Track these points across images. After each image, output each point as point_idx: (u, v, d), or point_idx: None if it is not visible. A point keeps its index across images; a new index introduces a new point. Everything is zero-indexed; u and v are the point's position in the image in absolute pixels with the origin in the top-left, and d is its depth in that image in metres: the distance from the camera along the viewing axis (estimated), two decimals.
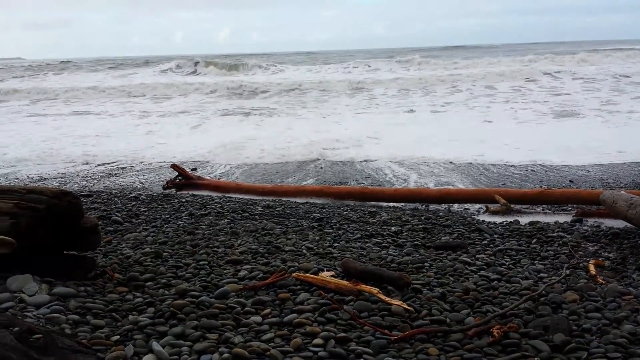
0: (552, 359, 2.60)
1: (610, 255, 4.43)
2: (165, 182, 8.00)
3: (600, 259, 4.23)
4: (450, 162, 9.78)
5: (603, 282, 3.69)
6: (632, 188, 7.15)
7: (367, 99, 21.12)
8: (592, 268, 3.95)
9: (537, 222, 5.73)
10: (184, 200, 6.93)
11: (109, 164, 10.66)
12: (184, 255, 4.26)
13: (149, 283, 3.59)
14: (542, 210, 6.50)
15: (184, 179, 7.90)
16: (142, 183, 8.84)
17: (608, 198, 5.43)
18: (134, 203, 6.69)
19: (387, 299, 3.25)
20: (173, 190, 7.76)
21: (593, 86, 21.70)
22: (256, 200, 7.03)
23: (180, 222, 5.60)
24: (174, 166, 8.00)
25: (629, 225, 5.07)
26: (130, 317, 3.01)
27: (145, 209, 6.34)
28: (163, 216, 5.91)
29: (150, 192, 7.75)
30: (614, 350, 2.65)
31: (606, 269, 4.07)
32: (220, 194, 7.48)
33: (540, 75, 24.86)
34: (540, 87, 22.18)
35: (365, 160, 10.22)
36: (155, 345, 2.66)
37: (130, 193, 7.55)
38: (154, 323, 2.94)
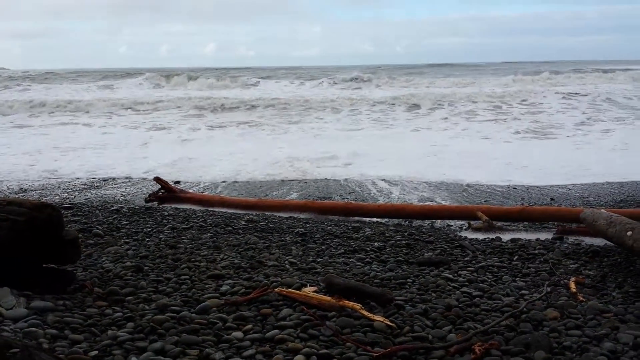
0: None
1: (591, 272, 4.47)
2: (147, 195, 7.94)
3: (580, 277, 4.27)
4: (432, 180, 9.84)
5: (583, 299, 3.72)
6: (612, 207, 7.25)
7: (351, 115, 21.22)
8: (572, 285, 3.99)
9: (519, 239, 5.78)
10: (166, 213, 6.87)
11: (90, 176, 10.55)
12: (165, 270, 4.22)
13: (129, 297, 3.54)
14: (524, 227, 6.55)
15: (166, 192, 7.84)
16: (124, 196, 8.76)
17: (588, 216, 5.49)
18: (115, 216, 6.62)
19: (370, 315, 3.24)
20: (155, 204, 7.69)
21: (572, 104, 22.10)
22: (240, 214, 6.99)
23: (162, 236, 5.54)
24: (157, 179, 7.94)
25: (608, 243, 5.13)
26: (109, 332, 2.97)
27: (127, 222, 6.27)
28: (145, 229, 5.86)
29: (132, 205, 7.68)
30: None
31: (586, 286, 4.10)
32: (203, 208, 7.43)
33: (523, 94, 25.22)
34: (521, 105, 22.49)
35: (349, 176, 10.25)
36: None
37: (111, 206, 7.47)
38: (133, 338, 2.89)
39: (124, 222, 6.22)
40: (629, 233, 4.47)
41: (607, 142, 14.02)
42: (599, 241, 5.36)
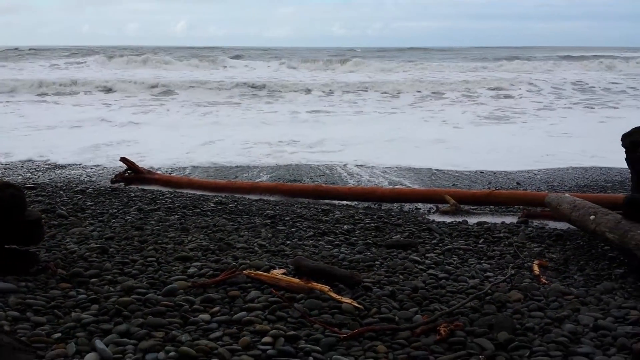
0: (496, 357, 2.66)
1: (554, 256, 4.57)
2: (113, 176, 7.79)
3: (544, 260, 4.37)
4: (401, 164, 9.90)
5: (546, 282, 3.81)
6: (576, 191, 7.42)
7: (321, 99, 21.15)
8: (536, 268, 4.08)
9: (485, 222, 5.87)
10: (132, 194, 6.76)
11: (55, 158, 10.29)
12: (131, 252, 4.16)
13: (93, 279, 3.48)
14: (490, 211, 6.66)
15: (133, 172, 7.71)
16: (89, 176, 8.59)
17: (553, 200, 5.61)
18: (80, 197, 6.49)
19: (338, 297, 3.26)
20: (122, 185, 7.56)
21: (539, 90, 22.48)
22: (208, 196, 6.93)
23: (128, 217, 5.46)
24: (124, 159, 7.79)
25: (572, 227, 5.26)
26: (73, 314, 2.92)
27: (92, 203, 6.15)
28: (110, 211, 5.75)
29: (97, 186, 7.53)
30: (555, 349, 2.74)
31: (549, 269, 4.20)
32: (171, 189, 7.34)
33: (490, 81, 25.52)
34: (490, 91, 22.76)
35: (320, 159, 10.24)
36: (99, 344, 2.58)
37: (76, 186, 7.31)
38: (97, 321, 2.86)
39: (89, 203, 6.10)
40: (592, 217, 4.59)
41: (563, 127, 14.28)
42: (562, 225, 5.49)
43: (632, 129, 4.77)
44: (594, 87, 24.40)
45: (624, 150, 4.75)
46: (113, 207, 5.93)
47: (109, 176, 8.13)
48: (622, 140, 4.79)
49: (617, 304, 3.37)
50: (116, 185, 7.51)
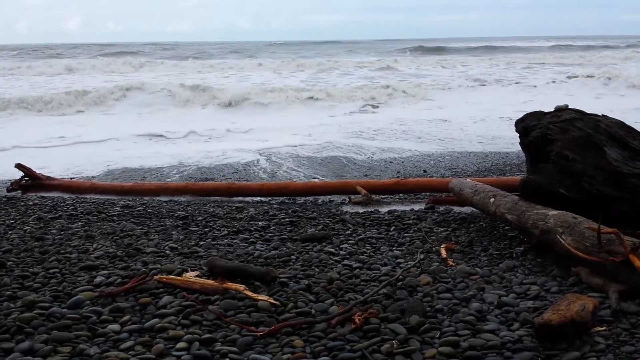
0: (408, 341, 2.76)
1: (460, 238, 4.80)
2: (9, 184, 7.28)
3: (450, 243, 4.57)
4: (313, 156, 10.00)
5: (453, 264, 3.99)
6: (477, 176, 7.81)
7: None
8: (443, 252, 4.26)
9: (395, 210, 6.05)
10: (31, 203, 6.35)
11: None
12: (32, 264, 3.92)
13: None
14: (399, 199, 6.87)
15: (31, 179, 7.24)
16: None
17: (456, 186, 5.88)
18: None
19: (254, 295, 3.24)
20: (19, 193, 7.08)
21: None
22: (114, 200, 6.64)
23: (27, 228, 5.12)
24: (19, 166, 7.29)
25: (475, 210, 5.53)
26: None
27: None
28: (7, 221, 5.38)
29: None
30: (463, 327, 2.88)
31: (456, 252, 4.40)
32: (73, 195, 6.96)
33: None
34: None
35: (231, 155, 10.12)
36: None
37: None
38: None
39: None
40: (492, 200, 4.85)
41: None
42: (466, 209, 5.76)
43: (524, 115, 5.07)
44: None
45: (518, 135, 5.05)
46: (10, 218, 5.55)
47: (4, 185, 7.58)
48: (515, 125, 5.09)
49: (518, 280, 3.60)
50: (12, 194, 7.02)
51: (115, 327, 2.85)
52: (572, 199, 4.24)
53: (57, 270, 3.76)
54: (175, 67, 30.07)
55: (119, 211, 5.92)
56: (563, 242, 3.67)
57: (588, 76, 22.93)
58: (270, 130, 12.83)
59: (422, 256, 4.13)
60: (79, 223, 5.33)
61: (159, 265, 3.82)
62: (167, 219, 5.57)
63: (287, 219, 5.53)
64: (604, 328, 2.85)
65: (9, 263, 3.91)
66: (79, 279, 3.58)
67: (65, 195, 6.93)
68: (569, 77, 23.48)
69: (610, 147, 4.33)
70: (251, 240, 4.78)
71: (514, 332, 2.84)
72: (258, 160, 9.72)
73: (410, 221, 5.41)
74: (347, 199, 6.86)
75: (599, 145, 4.32)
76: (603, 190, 4.18)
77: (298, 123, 13.82)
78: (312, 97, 17.86)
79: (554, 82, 22.69)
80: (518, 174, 7.49)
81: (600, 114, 4.74)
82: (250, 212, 5.90)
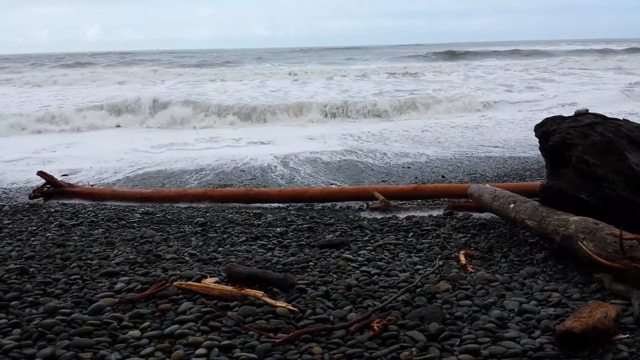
0: (428, 348, 2.73)
1: (479, 245, 4.75)
2: (31, 191, 7.40)
3: (469, 249, 4.53)
4: (331, 160, 10.00)
5: (472, 270, 3.95)
6: (496, 181, 7.75)
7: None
8: (462, 258, 4.22)
9: (413, 216, 6.02)
10: (52, 210, 6.45)
11: None
12: (54, 270, 3.98)
13: (14, 302, 3.31)
14: (418, 205, 6.84)
15: (52, 186, 7.35)
16: (5, 193, 8.11)
17: (475, 191, 5.83)
18: None
19: (272, 301, 3.24)
20: (41, 200, 7.19)
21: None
22: (134, 207, 6.71)
23: (48, 234, 5.20)
24: (41, 173, 7.41)
25: (494, 216, 5.48)
26: None
27: (9, 221, 5.82)
28: (29, 228, 5.46)
29: (14, 203, 7.13)
30: (483, 335, 2.85)
31: (475, 258, 4.36)
32: (94, 202, 7.05)
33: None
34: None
35: (249, 161, 10.16)
36: None
37: None
38: (20, 345, 2.73)
39: (5, 222, 5.77)
40: (512, 205, 4.80)
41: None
42: (485, 214, 5.71)
43: (544, 120, 5.03)
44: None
45: (538, 140, 5.00)
46: (32, 225, 5.64)
47: (27, 192, 7.71)
48: (534, 130, 5.04)
49: (539, 287, 3.55)
50: (35, 201, 7.13)
51: (136, 333, 2.88)
52: (593, 204, 4.18)
53: (79, 276, 3.81)
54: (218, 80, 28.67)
55: (139, 218, 5.98)
56: (585, 248, 3.62)
57: None
58: (288, 137, 12.88)
59: (441, 262, 4.10)
60: (100, 230, 5.39)
61: (179, 272, 3.84)
62: (186, 225, 5.62)
63: (305, 225, 5.53)
64: (626, 336, 2.80)
65: (31, 269, 3.97)
66: (100, 285, 3.62)
67: (87, 202, 7.02)
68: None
69: (631, 152, 4.26)
70: (269, 246, 4.80)
71: (535, 339, 2.80)
72: (275, 167, 9.75)
73: (429, 227, 5.38)
74: (365, 205, 6.84)
75: (620, 150, 4.26)
76: (624, 196, 4.11)
77: (324, 131, 13.86)
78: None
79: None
80: (538, 179, 7.41)
81: (622, 118, 4.68)
82: (268, 218, 5.92)
